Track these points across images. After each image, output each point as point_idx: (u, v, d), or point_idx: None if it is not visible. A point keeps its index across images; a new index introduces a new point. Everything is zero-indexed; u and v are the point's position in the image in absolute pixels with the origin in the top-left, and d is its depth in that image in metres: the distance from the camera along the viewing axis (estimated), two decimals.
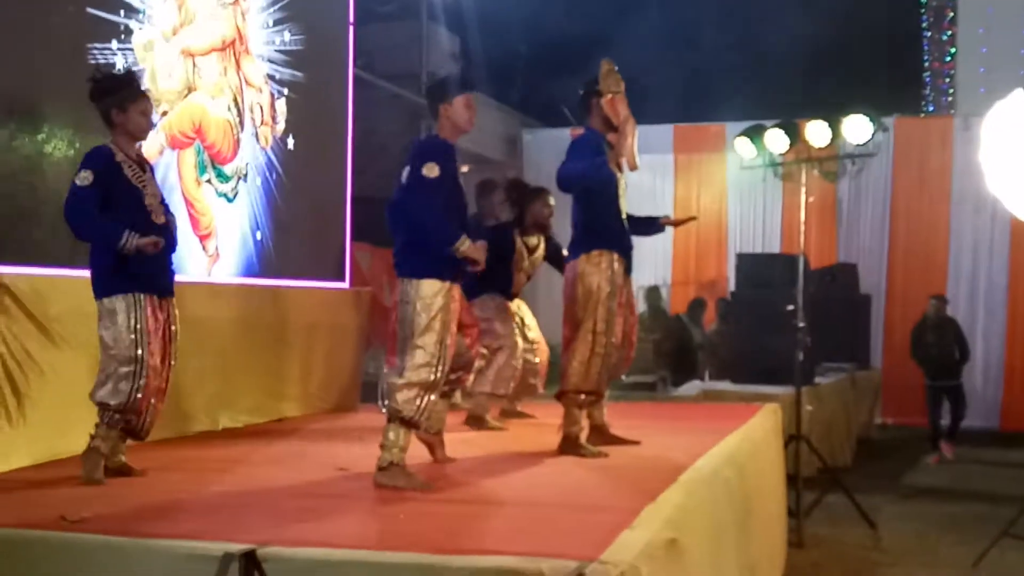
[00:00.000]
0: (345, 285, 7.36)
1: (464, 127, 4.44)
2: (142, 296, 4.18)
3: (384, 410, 4.18)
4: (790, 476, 7.07)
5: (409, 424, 4.14)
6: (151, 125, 4.41)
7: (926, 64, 18.38)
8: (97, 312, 4.16)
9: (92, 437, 4.15)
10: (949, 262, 12.59)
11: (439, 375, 4.15)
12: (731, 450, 5.10)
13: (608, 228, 5.18)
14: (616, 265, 5.12)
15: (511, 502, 3.82)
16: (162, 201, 4.39)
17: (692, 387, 9.42)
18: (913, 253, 12.73)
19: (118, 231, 4.06)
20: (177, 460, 4.71)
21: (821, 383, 9.49)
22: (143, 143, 4.48)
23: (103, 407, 4.14)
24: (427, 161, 4.21)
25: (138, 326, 4.14)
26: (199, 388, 5.62)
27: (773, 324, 8.98)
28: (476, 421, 5.99)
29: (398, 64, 12.05)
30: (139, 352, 4.12)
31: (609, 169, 5.10)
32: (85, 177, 4.07)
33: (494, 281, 5.99)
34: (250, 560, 2.95)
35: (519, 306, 6.45)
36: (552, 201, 6.49)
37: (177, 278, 5.39)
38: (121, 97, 4.21)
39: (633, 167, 5.22)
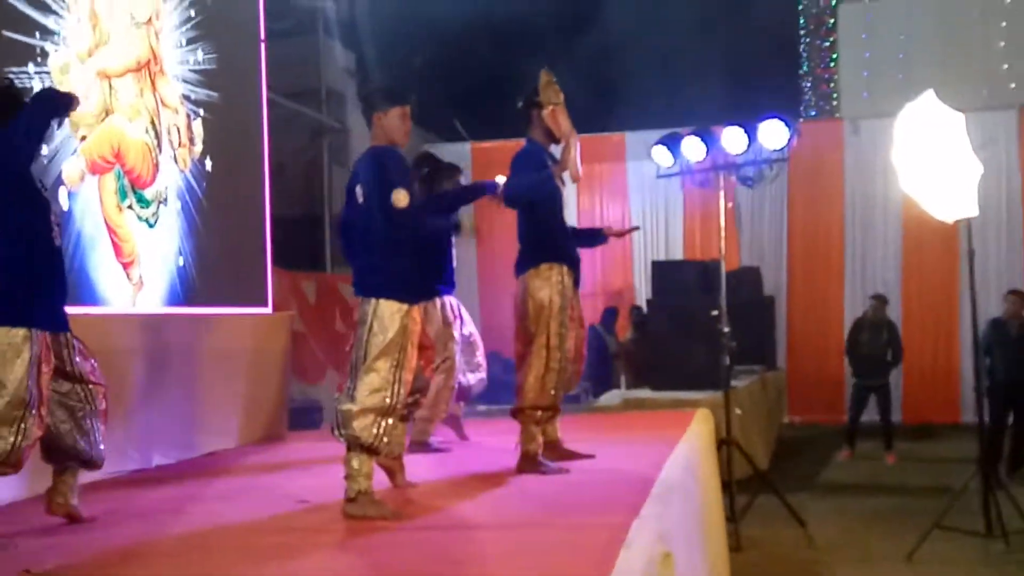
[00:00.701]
0: (268, 310, 7.14)
1: (398, 140, 4.31)
2: (36, 331, 3.83)
3: (339, 437, 4.02)
4: (723, 481, 7.14)
5: (370, 450, 4.00)
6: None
7: (805, 70, 18.93)
8: None
9: None
10: (845, 261, 12.97)
11: (395, 399, 4.00)
12: (686, 457, 5.10)
13: (556, 241, 5.13)
14: (566, 278, 5.07)
15: (490, 526, 3.72)
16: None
17: (613, 396, 9.44)
18: (811, 254, 13.08)
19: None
20: (124, 503, 4.47)
21: (737, 386, 9.61)
22: None
23: None
24: (394, 188, 4.07)
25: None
26: (128, 423, 5.37)
27: (692, 330, 9.10)
28: (420, 446, 5.84)
29: (297, 81, 11.82)
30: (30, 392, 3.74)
31: (555, 182, 5.07)
32: None
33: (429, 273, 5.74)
34: None
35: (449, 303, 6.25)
36: (463, 180, 6.36)
37: (100, 309, 5.18)
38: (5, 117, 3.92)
39: (576, 179, 5.21)
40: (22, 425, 3.70)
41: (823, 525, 7.59)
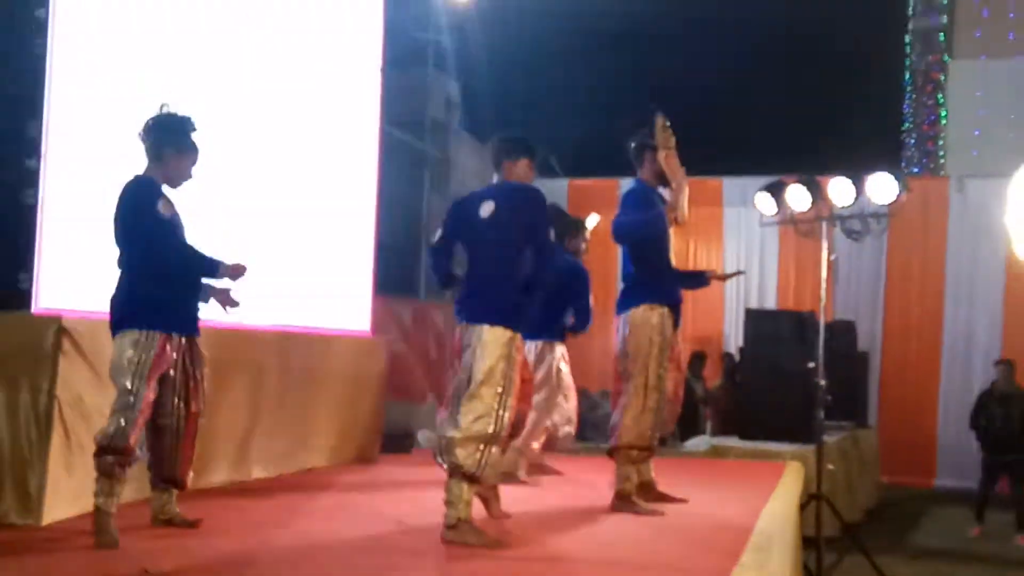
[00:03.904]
0: (368, 333, 7.25)
1: None
2: (156, 334, 3.98)
3: (442, 464, 4.07)
4: (807, 536, 7.02)
5: (471, 479, 4.02)
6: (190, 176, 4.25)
7: (908, 126, 18.66)
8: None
9: (95, 495, 3.89)
10: (944, 321, 12.68)
11: (498, 427, 4.02)
12: (782, 508, 5.05)
13: (660, 282, 5.16)
14: (667, 320, 5.09)
15: (588, 560, 3.74)
16: None
17: (700, 442, 9.34)
18: (908, 312, 12.81)
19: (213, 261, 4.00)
20: (228, 512, 4.58)
21: (828, 441, 9.45)
22: None
23: (97, 452, 3.88)
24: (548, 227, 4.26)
25: (144, 362, 3.93)
26: (230, 436, 5.49)
27: (784, 380, 8.99)
28: (507, 477, 5.87)
29: (403, 111, 12.03)
30: (137, 387, 3.89)
31: (665, 222, 5.09)
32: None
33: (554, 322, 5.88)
34: None
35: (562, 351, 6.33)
36: (588, 235, 6.45)
37: (204, 320, 5.32)
38: (178, 141, 4.12)
39: (683, 221, 5.21)
40: (133, 417, 3.84)
41: None
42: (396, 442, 7.42)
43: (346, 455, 6.67)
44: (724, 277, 6.08)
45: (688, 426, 10.33)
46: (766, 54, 18.03)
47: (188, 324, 4.18)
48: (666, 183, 5.22)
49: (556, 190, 13.23)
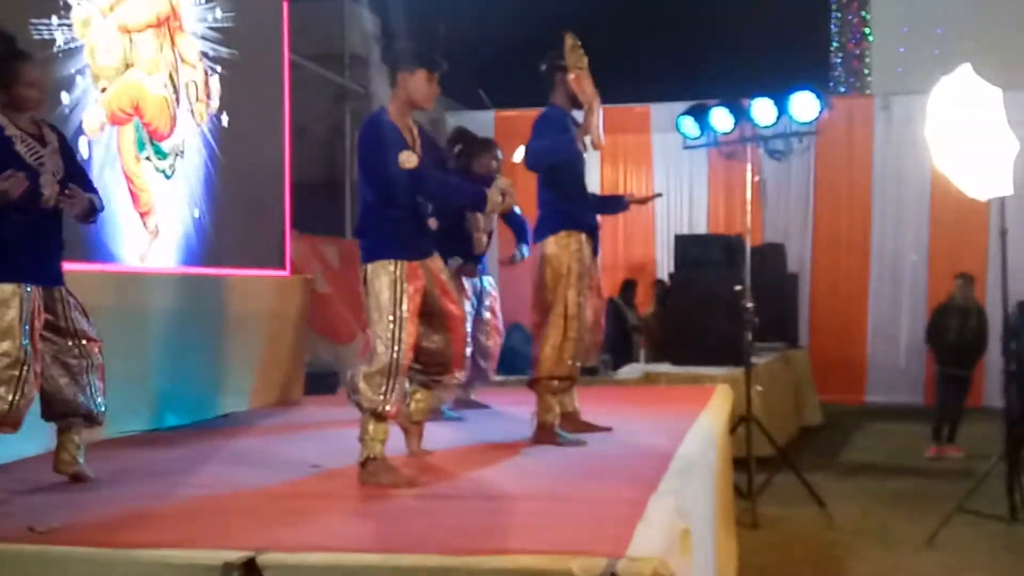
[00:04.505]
0: (285, 273, 7.06)
1: (420, 101, 4.20)
2: (26, 287, 3.75)
3: (351, 402, 3.96)
4: (739, 457, 7.04)
5: (377, 416, 3.91)
6: (44, 94, 3.99)
7: (836, 45, 18.61)
8: None
9: None
10: (872, 240, 12.77)
11: (395, 356, 3.88)
12: (706, 432, 5.01)
13: (575, 208, 5.02)
14: (584, 246, 4.97)
15: (506, 496, 3.63)
16: (71, 178, 3.98)
17: (632, 370, 9.34)
18: (837, 232, 12.89)
19: None
20: (134, 462, 4.41)
21: (758, 363, 9.48)
22: (45, 114, 4.12)
23: None
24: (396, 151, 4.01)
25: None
26: (142, 383, 5.31)
27: (714, 305, 8.98)
28: (432, 413, 5.75)
29: (320, 44, 11.68)
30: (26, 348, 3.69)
31: (577, 147, 4.94)
32: None
33: (451, 243, 5.64)
34: (251, 568, 2.73)
35: (483, 279, 6.18)
36: (500, 154, 6.27)
37: (114, 267, 5.12)
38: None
39: (598, 146, 5.07)
40: (20, 384, 3.65)
41: (843, 506, 7.47)
42: (320, 382, 7.28)
43: (266, 398, 6.52)
44: (642, 200, 5.98)
45: (621, 354, 10.34)
46: None
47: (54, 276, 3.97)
48: (580, 105, 5.05)
49: (483, 122, 13.04)
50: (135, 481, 3.96)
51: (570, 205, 5.00)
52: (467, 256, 5.94)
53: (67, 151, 4.07)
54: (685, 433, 4.79)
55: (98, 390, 4.04)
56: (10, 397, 3.64)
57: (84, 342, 3.99)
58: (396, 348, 3.89)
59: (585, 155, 5.14)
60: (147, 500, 3.58)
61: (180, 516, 3.35)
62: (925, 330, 10.23)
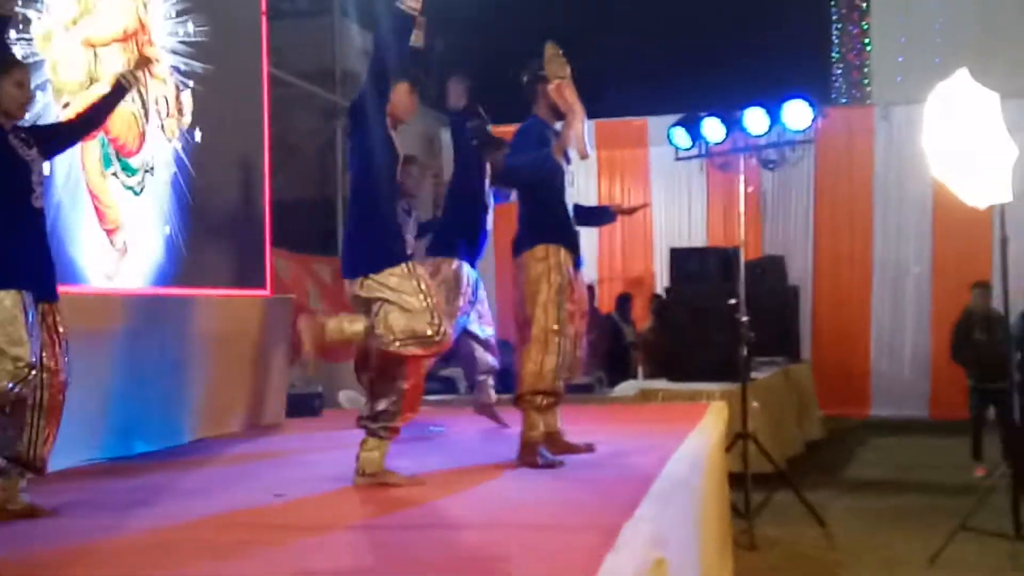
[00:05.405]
0: (266, 292, 6.87)
1: (401, 114, 4.29)
2: (29, 296, 3.65)
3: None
4: (735, 475, 6.83)
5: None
6: (29, 97, 3.93)
7: (837, 56, 18.44)
8: None
9: None
10: (874, 251, 12.54)
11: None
12: (693, 453, 4.81)
13: (554, 222, 4.85)
14: (564, 260, 4.80)
15: (471, 524, 3.44)
16: (56, 133, 4.11)
17: (629, 387, 9.12)
18: (838, 244, 12.66)
19: None
20: (92, 493, 4.22)
21: (758, 378, 9.28)
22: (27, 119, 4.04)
23: None
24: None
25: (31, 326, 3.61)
26: (109, 409, 5.13)
27: (710, 319, 8.77)
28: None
29: (310, 61, 11.54)
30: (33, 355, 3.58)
31: (554, 160, 4.79)
32: None
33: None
34: None
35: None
36: (415, 172, 6.23)
37: (81, 287, 4.94)
38: None
39: (583, 156, 4.92)
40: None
41: (846, 525, 7.27)
42: (305, 404, 7.08)
43: (244, 422, 6.34)
44: (629, 211, 5.85)
45: (618, 371, 10.14)
46: None
47: (47, 290, 3.82)
48: (562, 116, 4.89)
49: None
50: (88, 514, 3.77)
51: (549, 218, 4.84)
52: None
53: (42, 131, 4.08)
54: (671, 453, 4.59)
55: (43, 435, 3.80)
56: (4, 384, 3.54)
57: (45, 375, 3.78)
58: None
59: (570, 166, 4.97)
60: (96, 533, 3.40)
61: (123, 551, 3.16)
62: (951, 347, 9.69)
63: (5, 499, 3.68)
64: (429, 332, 3.94)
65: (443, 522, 3.52)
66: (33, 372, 3.58)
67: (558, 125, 4.96)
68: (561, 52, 4.95)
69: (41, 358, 3.72)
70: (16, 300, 3.59)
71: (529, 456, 4.62)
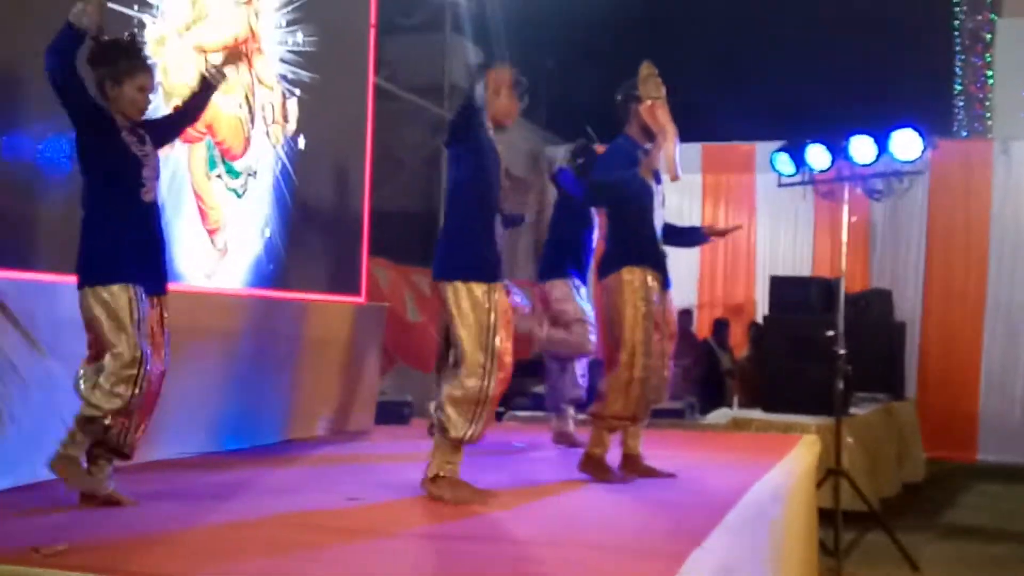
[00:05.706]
0: (361, 300, 6.98)
1: (502, 119, 4.30)
2: (140, 289, 3.75)
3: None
4: (825, 511, 6.66)
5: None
6: (147, 103, 3.98)
7: (959, 88, 17.88)
8: (88, 306, 3.70)
9: (63, 446, 3.69)
10: (987, 289, 12.10)
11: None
12: (776, 485, 4.70)
13: (641, 243, 4.79)
14: (651, 282, 4.74)
15: (534, 541, 3.41)
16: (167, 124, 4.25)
17: (721, 415, 8.97)
18: (951, 280, 12.24)
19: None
20: (173, 486, 4.31)
21: (857, 414, 9.02)
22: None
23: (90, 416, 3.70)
24: None
25: (141, 322, 3.71)
26: (203, 406, 5.26)
27: (808, 350, 8.56)
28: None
29: (422, 76, 11.71)
30: (142, 352, 3.67)
31: (641, 180, 4.73)
32: None
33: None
34: None
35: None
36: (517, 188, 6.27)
37: (181, 286, 5.08)
38: (118, 68, 3.83)
39: (674, 177, 4.83)
40: (139, 382, 3.66)
41: (938, 569, 7.01)
42: (394, 411, 7.15)
43: (333, 426, 6.42)
44: (722, 232, 5.75)
45: (713, 398, 9.97)
46: (814, 17, 17.40)
47: (157, 283, 3.95)
48: (653, 137, 4.85)
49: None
50: (162, 506, 3.85)
51: (636, 239, 4.78)
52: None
53: (155, 125, 4.16)
54: (752, 484, 4.49)
55: (135, 422, 3.91)
56: (128, 394, 3.64)
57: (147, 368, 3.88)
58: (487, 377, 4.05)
59: (660, 187, 4.93)
60: (169, 524, 3.48)
61: (191, 543, 3.23)
62: None
63: (93, 485, 3.78)
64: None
65: (506, 536, 3.50)
66: (139, 366, 3.65)
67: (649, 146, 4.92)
68: (657, 72, 4.90)
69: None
70: (126, 293, 3.68)
71: (591, 469, 4.63)
